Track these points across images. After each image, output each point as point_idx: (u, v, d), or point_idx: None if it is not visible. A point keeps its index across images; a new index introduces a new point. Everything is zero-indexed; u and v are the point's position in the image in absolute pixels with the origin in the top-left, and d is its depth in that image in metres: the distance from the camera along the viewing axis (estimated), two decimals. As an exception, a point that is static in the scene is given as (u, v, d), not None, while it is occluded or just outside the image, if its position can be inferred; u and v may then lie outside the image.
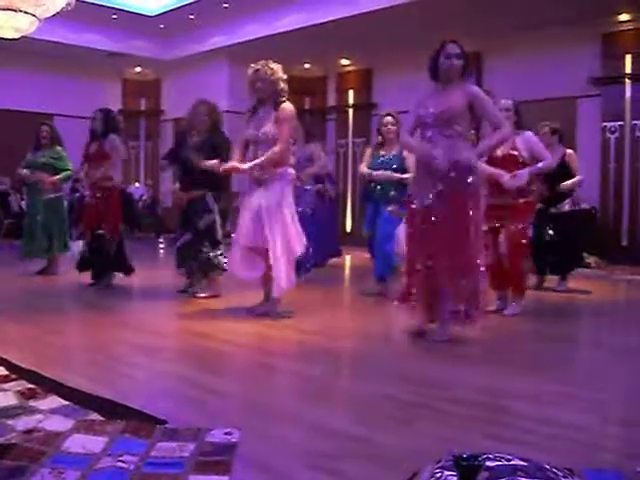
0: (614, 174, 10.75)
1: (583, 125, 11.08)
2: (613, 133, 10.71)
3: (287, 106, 5.08)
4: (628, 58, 10.53)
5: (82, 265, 6.79)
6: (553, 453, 2.28)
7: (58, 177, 7.50)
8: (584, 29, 10.50)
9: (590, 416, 2.81)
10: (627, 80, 10.55)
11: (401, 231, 5.27)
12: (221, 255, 5.95)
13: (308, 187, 7.24)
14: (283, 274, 4.97)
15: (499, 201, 5.28)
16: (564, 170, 6.62)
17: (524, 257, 5.48)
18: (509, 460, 2.00)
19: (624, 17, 10.42)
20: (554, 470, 1.97)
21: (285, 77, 5.15)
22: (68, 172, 7.59)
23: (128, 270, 6.79)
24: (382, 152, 6.22)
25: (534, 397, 3.09)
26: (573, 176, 6.73)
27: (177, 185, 6.20)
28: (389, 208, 6.03)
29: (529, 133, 5.43)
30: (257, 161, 4.98)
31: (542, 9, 9.99)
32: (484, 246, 5.15)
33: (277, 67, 5.12)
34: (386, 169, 6.05)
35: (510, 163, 5.29)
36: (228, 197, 6.27)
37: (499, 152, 5.23)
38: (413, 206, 4.39)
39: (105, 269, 6.71)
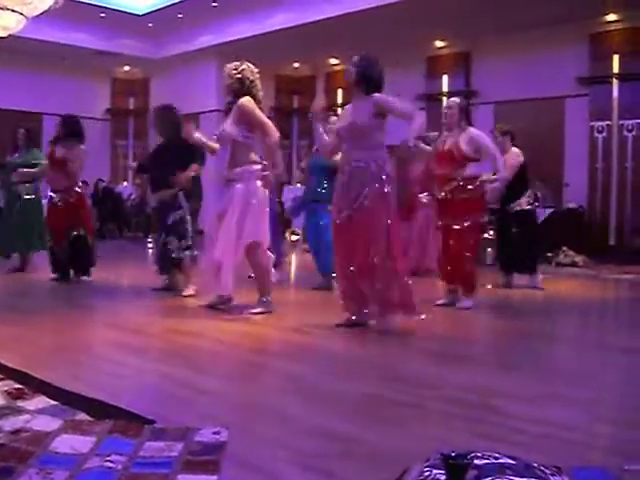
0: (602, 173, 10.82)
1: (571, 125, 11.15)
2: (601, 132, 10.77)
3: (243, 101, 4.95)
4: (615, 58, 10.60)
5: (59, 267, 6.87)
6: (541, 452, 2.28)
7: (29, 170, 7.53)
8: (572, 29, 10.56)
9: (577, 415, 2.82)
10: (614, 80, 10.63)
11: None
12: (187, 250, 6.00)
13: None
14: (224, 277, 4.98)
15: (442, 196, 5.57)
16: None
17: (472, 256, 5.61)
18: (497, 458, 2.01)
19: (612, 17, 10.49)
20: (542, 468, 1.98)
21: (243, 74, 5.01)
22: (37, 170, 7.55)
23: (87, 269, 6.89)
24: None
25: (520, 396, 3.10)
26: (524, 176, 6.89)
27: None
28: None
29: (472, 129, 5.56)
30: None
31: (531, 9, 10.03)
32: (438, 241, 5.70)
33: (232, 66, 5.06)
34: None
35: (451, 157, 5.50)
36: (199, 196, 6.34)
37: (446, 147, 5.53)
38: (336, 219, 4.59)
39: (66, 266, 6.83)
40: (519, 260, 6.93)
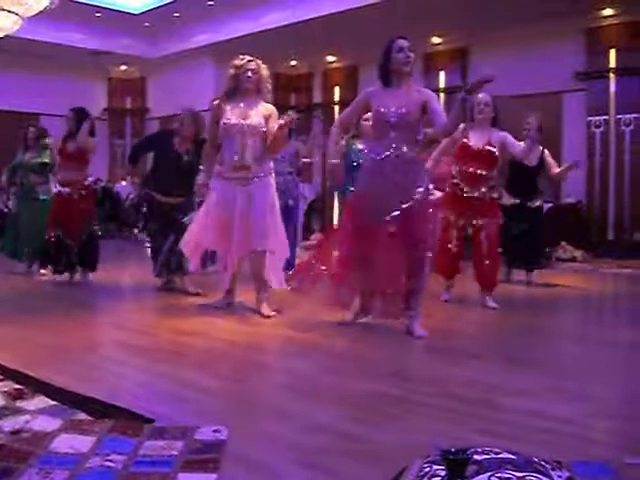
0: (599, 168, 10.80)
1: (568, 119, 11.14)
2: (598, 127, 10.76)
3: (274, 109, 5.16)
4: (612, 53, 10.58)
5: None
6: (542, 446, 2.28)
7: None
8: (569, 24, 10.53)
9: (578, 409, 2.82)
10: (611, 74, 10.60)
11: None
12: None
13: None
14: (276, 273, 5.06)
15: (471, 194, 5.48)
16: (543, 168, 6.85)
17: (498, 253, 5.63)
18: (497, 454, 2.01)
19: (608, 12, 10.47)
20: (542, 463, 1.98)
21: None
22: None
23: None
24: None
25: (522, 391, 3.10)
26: (548, 174, 6.93)
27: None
28: None
29: (505, 133, 5.58)
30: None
31: (527, 4, 10.01)
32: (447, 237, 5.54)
33: (260, 66, 5.16)
34: None
35: (491, 157, 5.47)
36: None
37: (479, 145, 5.44)
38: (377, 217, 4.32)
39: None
40: (525, 255, 6.91)
